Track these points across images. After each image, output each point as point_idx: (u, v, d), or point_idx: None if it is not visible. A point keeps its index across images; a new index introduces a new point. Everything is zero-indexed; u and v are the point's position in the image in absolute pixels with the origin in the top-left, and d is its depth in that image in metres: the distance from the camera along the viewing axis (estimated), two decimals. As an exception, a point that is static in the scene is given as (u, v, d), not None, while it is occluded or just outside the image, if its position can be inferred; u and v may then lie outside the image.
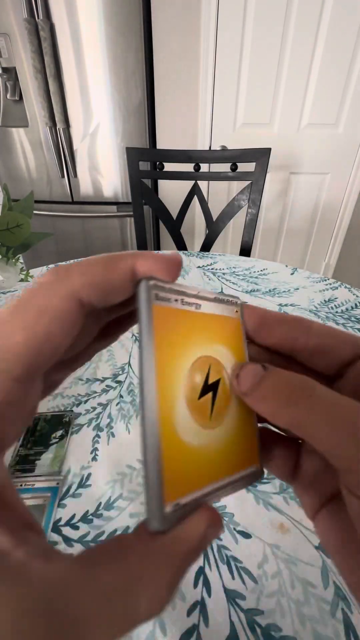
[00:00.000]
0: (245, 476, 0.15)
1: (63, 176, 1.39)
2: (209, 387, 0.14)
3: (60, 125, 1.27)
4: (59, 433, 0.43)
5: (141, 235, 1.09)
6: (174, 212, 1.06)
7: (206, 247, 1.07)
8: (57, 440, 0.42)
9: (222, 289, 0.74)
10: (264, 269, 0.82)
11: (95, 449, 0.41)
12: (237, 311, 0.16)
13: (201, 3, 1.15)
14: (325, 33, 1.14)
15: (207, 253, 0.91)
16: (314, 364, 0.16)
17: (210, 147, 1.38)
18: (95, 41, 1.15)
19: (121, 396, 0.49)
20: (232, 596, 0.30)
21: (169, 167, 1.02)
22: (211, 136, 1.36)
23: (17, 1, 1.09)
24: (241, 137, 1.34)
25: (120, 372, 0.53)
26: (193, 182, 1.02)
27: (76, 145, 1.33)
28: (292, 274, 0.81)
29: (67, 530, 0.34)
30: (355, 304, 0.69)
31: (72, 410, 0.46)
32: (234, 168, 1.00)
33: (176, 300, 0.13)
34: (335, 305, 0.69)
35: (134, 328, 0.14)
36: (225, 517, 0.35)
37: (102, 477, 0.38)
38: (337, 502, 0.15)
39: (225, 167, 1.08)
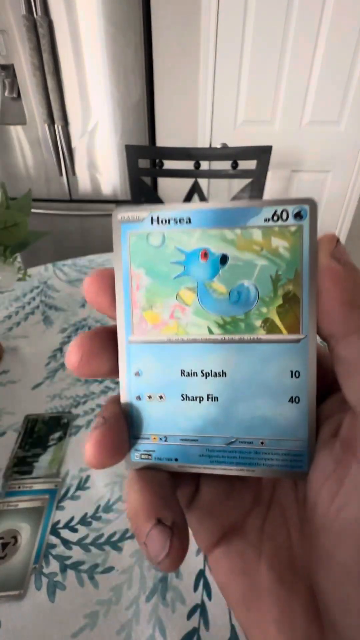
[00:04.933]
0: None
1: (61, 174, 1.38)
2: None
3: (58, 123, 1.26)
4: (57, 435, 0.43)
5: (141, 233, 1.09)
6: (174, 210, 1.05)
7: (206, 245, 1.06)
8: (56, 442, 0.42)
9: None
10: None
11: (94, 451, 0.41)
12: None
13: (201, -1, 1.14)
14: (327, 29, 1.13)
15: (207, 252, 0.90)
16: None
17: (210, 145, 1.37)
18: (94, 38, 1.14)
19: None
20: (232, 600, 0.29)
21: (168, 164, 1.01)
22: (211, 133, 1.35)
23: (15, -3, 1.08)
24: (242, 135, 1.33)
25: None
26: (193, 180, 1.01)
27: (75, 143, 1.32)
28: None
29: (65, 533, 0.33)
30: (357, 303, 0.69)
31: (70, 412, 0.46)
32: (234, 166, 1.00)
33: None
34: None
35: None
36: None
37: (100, 480, 0.38)
38: (236, 538, 0.13)
39: (225, 165, 1.07)
